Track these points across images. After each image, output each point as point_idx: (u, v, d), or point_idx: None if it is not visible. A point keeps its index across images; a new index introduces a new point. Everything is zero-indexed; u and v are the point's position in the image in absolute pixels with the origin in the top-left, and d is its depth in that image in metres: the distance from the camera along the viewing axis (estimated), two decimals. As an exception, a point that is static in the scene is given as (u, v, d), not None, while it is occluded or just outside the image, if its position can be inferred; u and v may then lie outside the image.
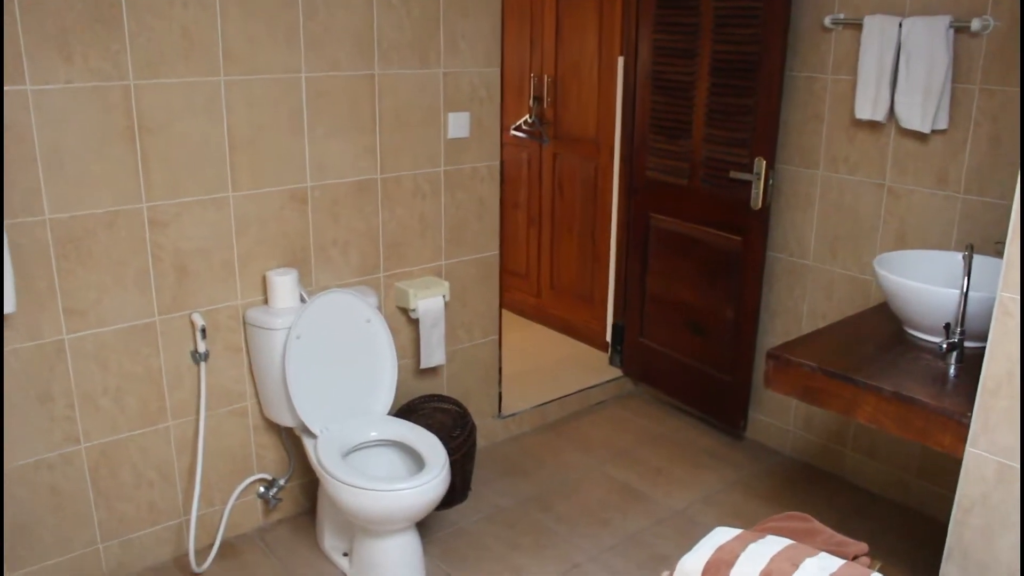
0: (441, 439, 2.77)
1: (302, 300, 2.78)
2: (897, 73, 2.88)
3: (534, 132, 4.51)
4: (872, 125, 3.05)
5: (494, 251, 3.39)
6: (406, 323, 3.19)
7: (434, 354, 3.13)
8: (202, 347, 2.70)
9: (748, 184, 3.31)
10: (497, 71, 3.20)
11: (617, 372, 4.14)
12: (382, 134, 2.95)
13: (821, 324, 3.34)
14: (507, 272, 4.88)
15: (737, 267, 3.45)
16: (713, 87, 3.38)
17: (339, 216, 2.92)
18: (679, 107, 3.54)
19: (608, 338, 4.27)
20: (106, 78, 2.37)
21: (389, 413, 2.89)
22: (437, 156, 3.11)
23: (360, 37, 2.82)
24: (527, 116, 4.50)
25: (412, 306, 3.04)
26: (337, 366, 2.77)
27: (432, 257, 3.20)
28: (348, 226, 2.95)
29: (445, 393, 3.38)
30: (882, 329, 2.48)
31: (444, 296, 3.11)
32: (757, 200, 3.29)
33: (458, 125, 3.12)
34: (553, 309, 4.69)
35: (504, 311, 3.77)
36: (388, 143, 2.97)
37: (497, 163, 3.29)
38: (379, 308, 3.00)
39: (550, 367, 4.23)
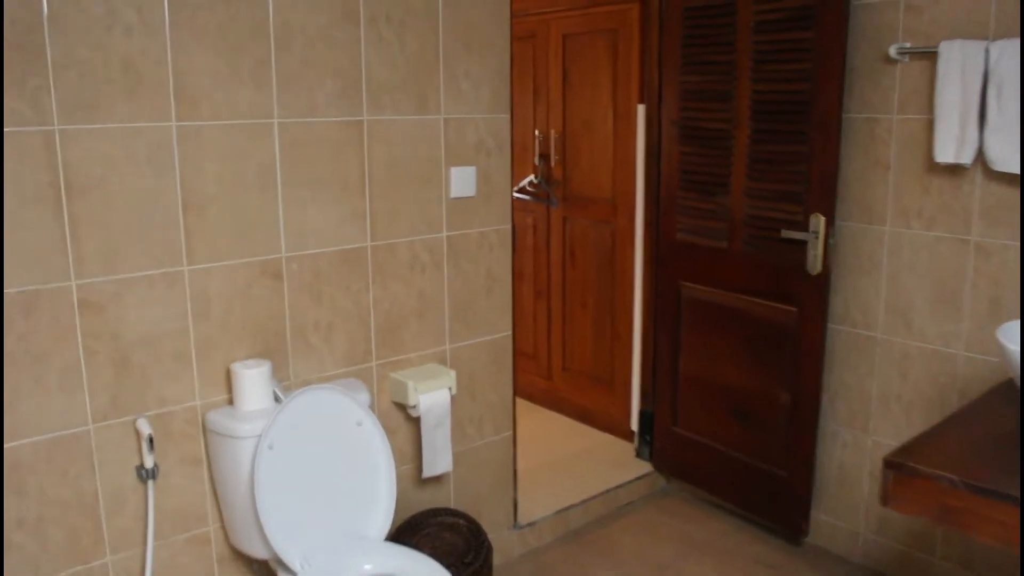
0: (452, 568, 2.19)
1: (276, 399, 2.23)
2: (985, 107, 2.41)
3: (540, 193, 4.02)
4: (952, 170, 2.57)
5: (506, 331, 2.86)
6: (404, 421, 2.63)
7: (439, 459, 2.57)
8: (149, 461, 2.13)
9: (802, 245, 2.82)
10: (507, 117, 2.72)
11: (646, 467, 3.57)
12: (372, 193, 2.44)
13: (895, 407, 2.81)
14: (512, 352, 4.34)
15: (791, 342, 2.93)
16: (755, 133, 2.91)
17: (321, 294, 2.39)
18: (714, 158, 3.07)
19: (634, 427, 3.72)
20: (22, 122, 1.86)
21: (387, 536, 2.31)
22: (438, 219, 2.60)
23: (345, 75, 2.33)
24: (532, 176, 4.02)
25: (412, 402, 2.50)
26: (321, 482, 2.20)
27: (434, 341, 2.67)
28: (332, 306, 2.42)
29: (453, 504, 2.80)
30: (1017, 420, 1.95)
31: (450, 388, 2.56)
32: (816, 263, 2.78)
33: (462, 182, 2.63)
34: (566, 394, 4.14)
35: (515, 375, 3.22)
36: (380, 204, 2.46)
37: (508, 227, 2.79)
38: (371, 406, 2.45)
39: (568, 462, 3.66)
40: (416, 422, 2.61)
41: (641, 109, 3.43)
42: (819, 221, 2.75)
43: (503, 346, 2.86)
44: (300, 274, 2.34)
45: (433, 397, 2.52)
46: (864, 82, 2.75)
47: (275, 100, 2.22)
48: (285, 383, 2.36)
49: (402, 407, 2.59)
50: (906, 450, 1.78)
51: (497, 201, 2.74)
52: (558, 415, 4.18)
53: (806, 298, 2.86)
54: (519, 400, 4.28)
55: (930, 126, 2.58)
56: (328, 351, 2.43)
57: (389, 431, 2.59)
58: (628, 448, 3.75)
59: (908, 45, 2.60)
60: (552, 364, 4.19)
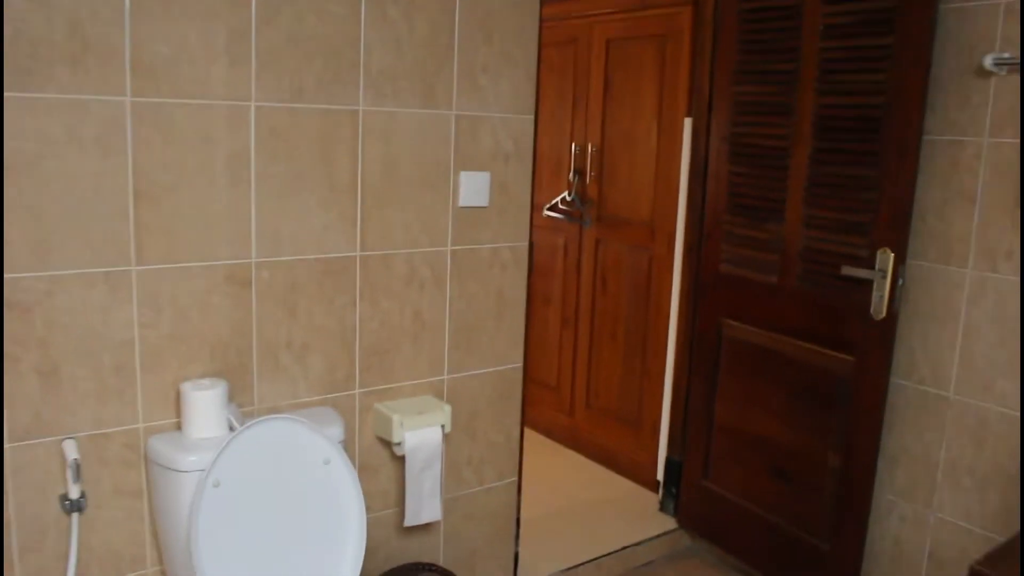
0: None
1: (231, 428, 1.90)
2: (1099, 133, 2.01)
3: (573, 212, 3.67)
4: (1053, 207, 2.16)
5: (516, 363, 2.50)
6: (389, 459, 2.29)
7: (424, 507, 2.22)
8: (74, 491, 1.81)
9: (866, 285, 2.42)
10: (530, 119, 2.38)
11: (670, 522, 3.17)
12: (365, 195, 2.11)
13: (967, 481, 2.39)
14: (533, 382, 3.98)
15: (845, 395, 2.52)
16: (817, 153, 2.53)
17: (297, 307, 2.06)
18: (768, 180, 2.68)
19: (660, 476, 3.32)
20: (-67, 83, 1.56)
21: (352, 597, 1.96)
22: (442, 230, 2.26)
23: (339, 56, 2.01)
24: (565, 193, 3.67)
25: (396, 439, 2.15)
26: (277, 527, 1.86)
27: (430, 369, 2.32)
28: (310, 322, 2.09)
29: (442, 558, 2.44)
30: None
31: (443, 426, 2.21)
32: (880, 307, 2.38)
33: (473, 189, 2.28)
34: (589, 433, 3.75)
35: (526, 430, 2.86)
36: (374, 208, 2.13)
37: (525, 244, 2.44)
38: (346, 441, 2.10)
39: (583, 511, 3.27)
40: (402, 461, 2.26)
41: (688, 123, 3.07)
42: (887, 258, 2.35)
43: (512, 379, 2.50)
44: (273, 283, 2.01)
45: (422, 435, 2.17)
46: (949, 98, 2.35)
47: (253, 80, 1.90)
48: (247, 408, 2.03)
49: (387, 443, 2.24)
50: (991, 560, 1.39)
51: (513, 214, 2.39)
52: (577, 455, 3.80)
53: (867, 346, 2.45)
54: (535, 436, 3.92)
55: (1028, 153, 2.18)
56: (302, 374, 2.10)
57: (371, 469, 2.24)
58: (652, 499, 3.36)
59: (1008, 56, 2.20)
60: (575, 399, 3.82)
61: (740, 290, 2.82)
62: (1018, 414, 2.28)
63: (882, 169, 2.35)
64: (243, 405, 2.02)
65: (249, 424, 1.81)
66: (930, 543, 2.51)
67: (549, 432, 3.96)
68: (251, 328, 2.00)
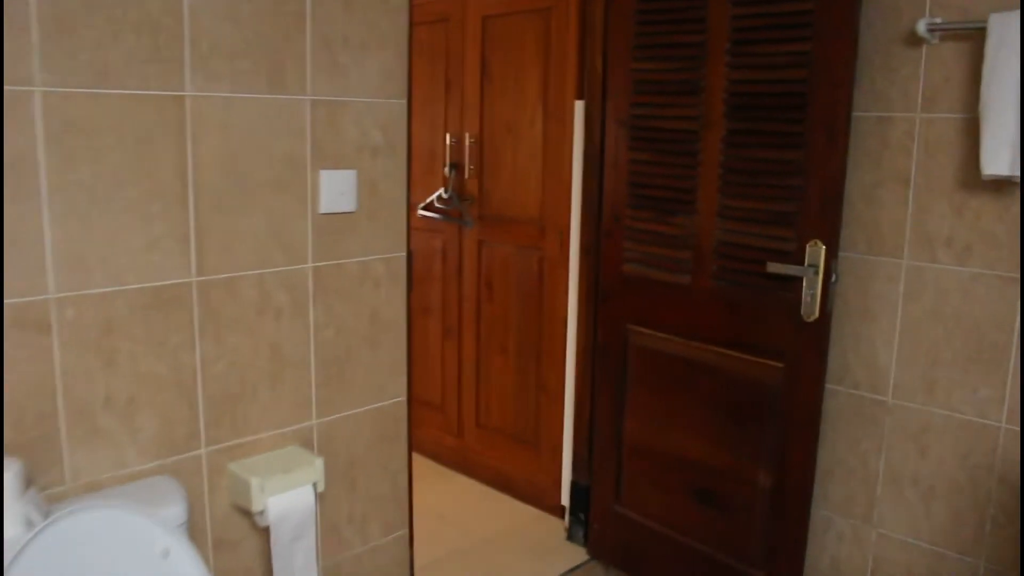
0: None
1: (29, 524, 1.42)
2: (1052, 102, 1.78)
3: (451, 212, 3.28)
4: (998, 187, 1.93)
5: (399, 395, 2.10)
6: (251, 529, 1.84)
7: (298, 589, 1.79)
8: None
9: (794, 283, 2.14)
10: (403, 104, 1.98)
11: (581, 553, 2.84)
12: (200, 204, 1.66)
13: (910, 493, 2.15)
14: (416, 402, 3.57)
15: (774, 406, 2.25)
16: (731, 136, 2.23)
17: (116, 353, 1.59)
18: (676, 168, 2.37)
19: (565, 501, 2.99)
20: None
21: None
22: (301, 244, 1.84)
23: (157, 27, 1.56)
24: (441, 190, 3.27)
25: (257, 507, 1.71)
26: (94, 655, 1.40)
27: (294, 415, 1.89)
28: (135, 371, 1.62)
29: (321, 641, 2.02)
30: None
31: (315, 484, 1.79)
32: (812, 307, 2.11)
33: (337, 191, 1.86)
34: (481, 455, 3.38)
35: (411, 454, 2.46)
36: (211, 220, 1.68)
37: (402, 254, 2.04)
38: (189, 520, 1.65)
39: (482, 547, 2.90)
40: (266, 533, 1.82)
41: (579, 106, 2.73)
42: (818, 252, 2.07)
43: (395, 416, 2.10)
44: (80, 325, 1.54)
45: (289, 500, 1.74)
46: (876, 71, 2.10)
47: (36, 58, 1.42)
48: (56, 490, 1.55)
49: (246, 512, 1.80)
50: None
51: (387, 219, 1.99)
52: (469, 480, 3.42)
53: (798, 351, 2.18)
54: (421, 460, 3.51)
55: (968, 128, 1.94)
56: (129, 436, 1.63)
57: (228, 545, 1.79)
58: (557, 527, 3.02)
59: (940, 20, 1.95)
60: (463, 418, 3.44)
61: (648, 293, 2.50)
62: (968, 417, 2.04)
63: (809, 151, 2.07)
64: (51, 486, 1.54)
65: (52, 520, 1.34)
66: (872, 562, 2.27)
67: (436, 455, 3.57)
68: (54, 384, 1.52)
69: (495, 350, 3.25)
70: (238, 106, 1.68)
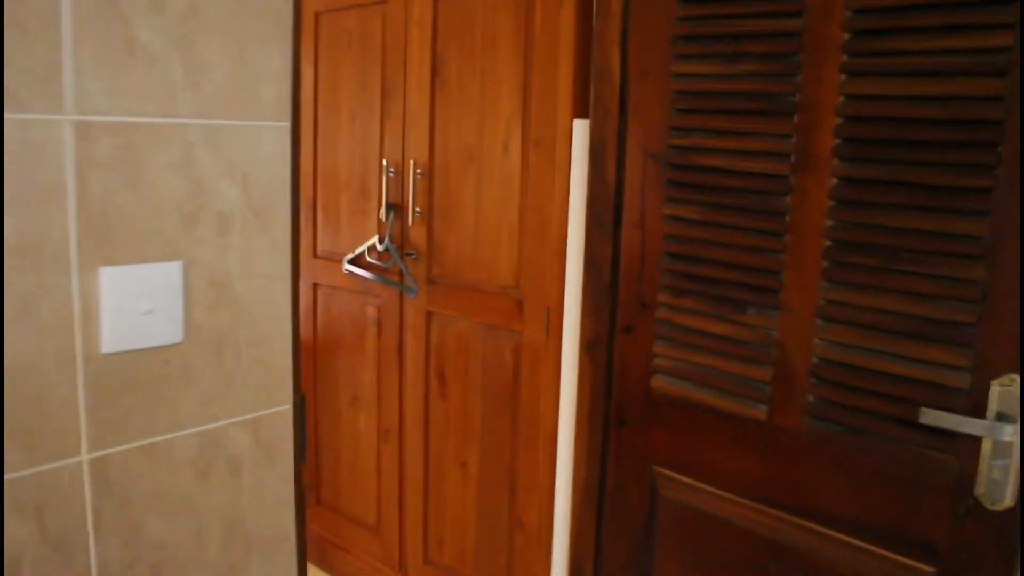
0: None
1: None
2: None
3: (389, 269, 2.34)
4: None
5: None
6: None
7: None
8: None
9: (962, 441, 1.25)
10: (284, 130, 1.04)
11: None
12: None
13: None
14: (340, 516, 2.64)
15: (913, 632, 1.35)
16: (849, 187, 1.34)
17: None
18: (747, 233, 1.48)
19: None
20: None
21: None
22: (60, 420, 0.88)
23: None
24: (375, 239, 2.34)
25: None
26: None
27: None
28: None
29: None
30: None
31: None
32: (1001, 488, 1.22)
33: (137, 308, 0.92)
34: (429, 602, 2.45)
35: None
36: None
37: (286, 407, 1.10)
38: None
39: None
40: None
41: (580, 128, 1.81)
42: (1013, 395, 1.19)
43: None
44: None
45: None
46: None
47: None
48: None
49: None
50: None
51: (253, 348, 1.05)
52: (416, 636, 2.48)
53: (964, 553, 1.29)
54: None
55: None
56: None
57: None
58: None
59: None
60: (406, 549, 2.49)
61: (692, 424, 1.59)
62: None
63: (1000, 221, 1.19)
64: None
65: None
66: None
67: (368, 593, 2.62)
68: None
69: (450, 463, 2.32)
70: None
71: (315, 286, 2.61)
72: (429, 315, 2.28)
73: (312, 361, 2.68)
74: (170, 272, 0.96)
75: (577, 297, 1.85)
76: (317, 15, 2.46)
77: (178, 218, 0.96)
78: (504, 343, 2.11)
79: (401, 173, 2.28)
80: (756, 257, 1.46)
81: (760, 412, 1.49)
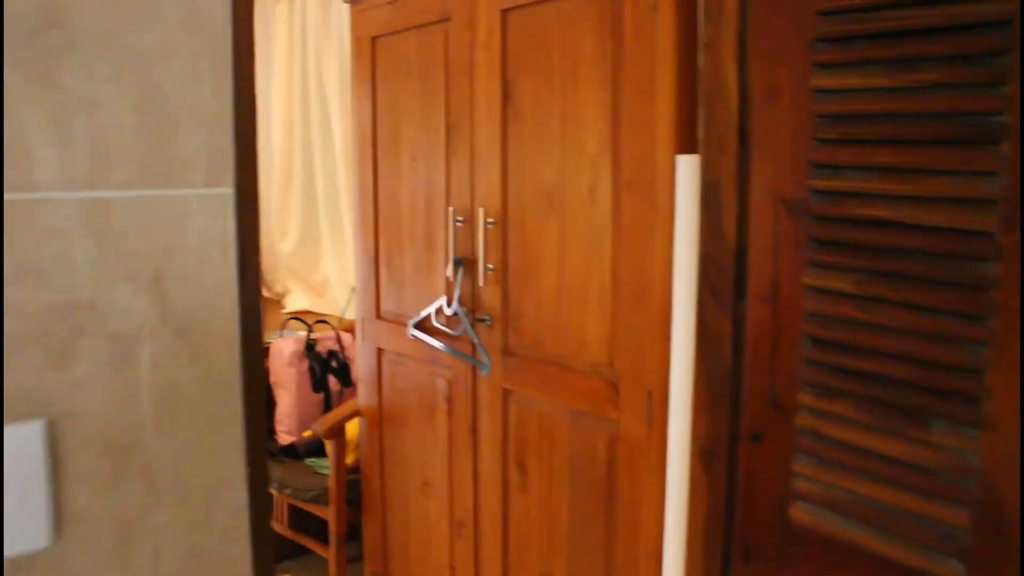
0: None
1: None
2: None
3: (459, 337, 1.96)
4: None
5: None
6: None
7: None
8: None
9: None
10: (228, 195, 0.67)
11: None
12: None
13: None
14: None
15: None
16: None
17: None
18: (931, 316, 1.03)
19: None
20: None
21: None
22: None
23: None
24: (443, 300, 1.97)
25: None
26: None
27: None
28: None
29: None
30: None
31: None
32: None
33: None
34: None
35: None
36: None
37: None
38: None
39: None
40: None
41: (686, 165, 1.40)
42: None
43: None
44: None
45: None
46: None
47: None
48: None
49: None
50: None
51: (185, 550, 0.68)
52: None
53: None
54: None
55: None
56: None
57: None
58: None
59: None
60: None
61: (849, 574, 1.15)
62: None
63: None
64: None
65: None
66: None
67: None
68: None
69: (532, 572, 1.91)
70: None
71: (379, 351, 2.27)
72: (506, 393, 1.89)
73: (379, 436, 2.32)
74: (25, 437, 0.60)
75: (686, 385, 1.43)
76: (374, 40, 2.12)
77: (40, 352, 0.61)
78: (596, 433, 1.70)
79: (470, 222, 1.91)
80: (945, 350, 1.01)
81: (954, 572, 1.03)
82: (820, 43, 1.11)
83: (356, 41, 2.17)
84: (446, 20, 1.92)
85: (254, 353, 0.71)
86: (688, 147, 1.43)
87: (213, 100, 0.66)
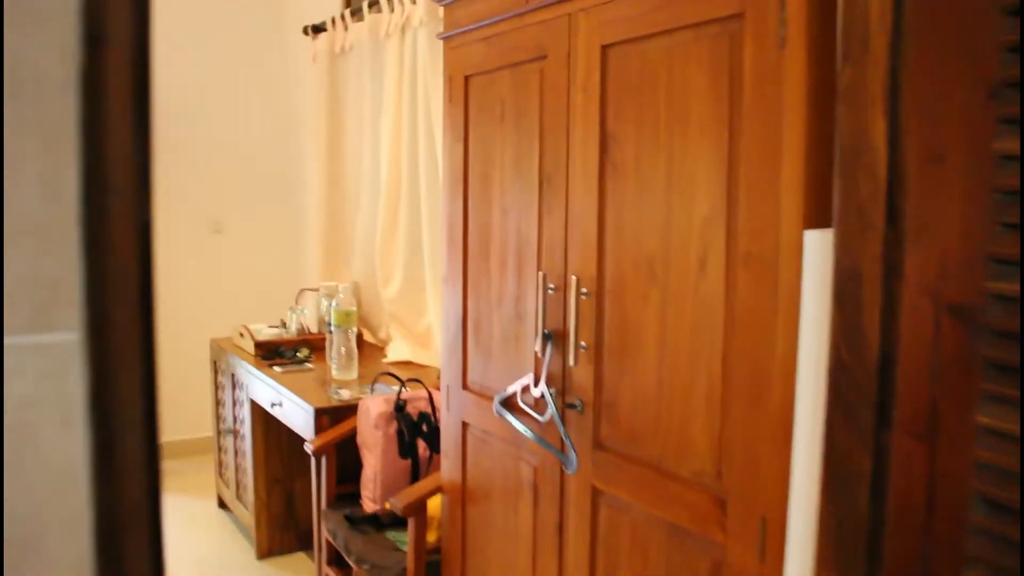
0: None
1: None
2: None
3: (546, 427, 1.70)
4: None
5: None
6: None
7: None
8: None
9: None
10: (74, 342, 0.43)
11: None
12: None
13: None
14: None
15: None
16: None
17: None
18: None
19: None
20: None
21: None
22: None
23: None
24: (530, 378, 1.71)
25: None
26: None
27: None
28: None
29: None
30: None
31: None
32: None
33: None
34: None
35: None
36: None
37: None
38: None
39: None
40: None
41: (817, 243, 1.10)
42: None
43: None
44: None
45: None
46: None
47: None
48: None
49: None
50: None
51: None
52: None
53: None
54: None
55: None
56: None
57: None
58: None
59: None
60: None
61: None
62: None
63: None
64: None
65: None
66: None
67: None
68: None
69: None
70: None
71: (464, 426, 2.03)
72: (596, 493, 1.61)
73: (461, 517, 2.08)
74: None
75: (809, 520, 1.11)
76: (467, 79, 1.91)
77: None
78: (697, 556, 1.40)
79: (562, 290, 1.65)
80: None
81: None
82: (1007, 90, 0.80)
83: (448, 80, 1.97)
84: (542, 58, 1.68)
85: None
86: (820, 219, 1.13)
87: (43, 207, 0.44)
